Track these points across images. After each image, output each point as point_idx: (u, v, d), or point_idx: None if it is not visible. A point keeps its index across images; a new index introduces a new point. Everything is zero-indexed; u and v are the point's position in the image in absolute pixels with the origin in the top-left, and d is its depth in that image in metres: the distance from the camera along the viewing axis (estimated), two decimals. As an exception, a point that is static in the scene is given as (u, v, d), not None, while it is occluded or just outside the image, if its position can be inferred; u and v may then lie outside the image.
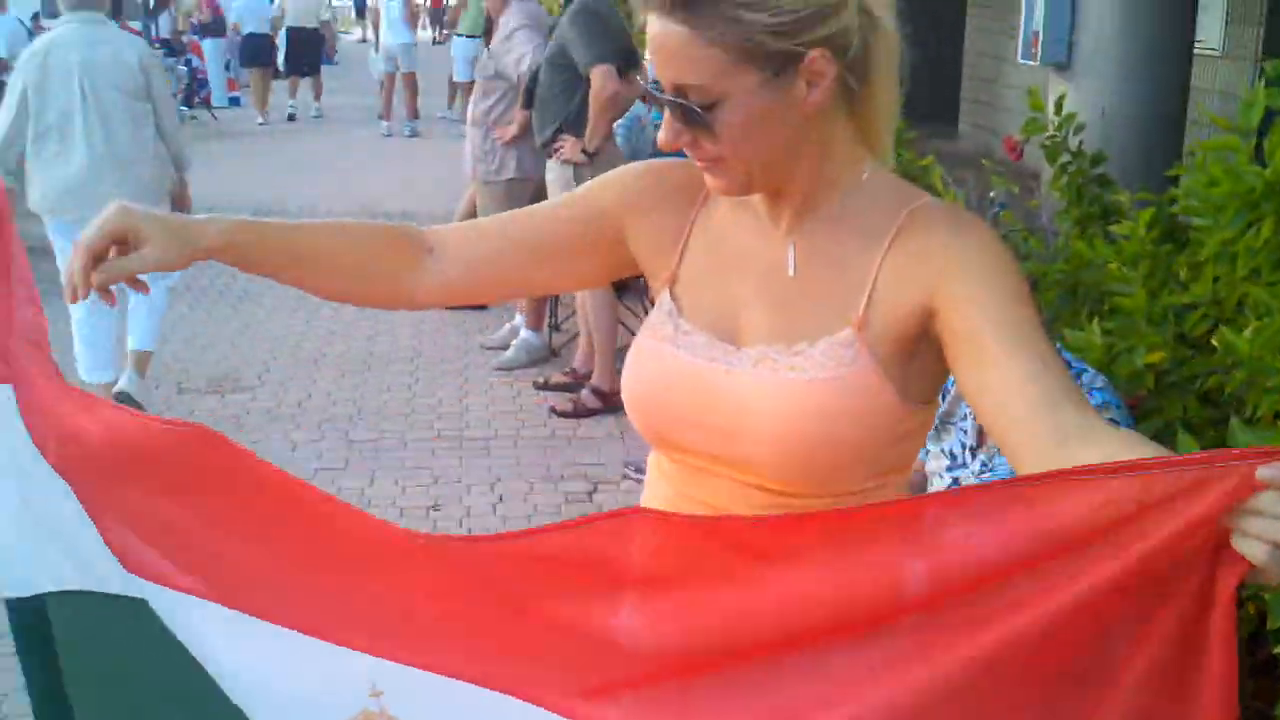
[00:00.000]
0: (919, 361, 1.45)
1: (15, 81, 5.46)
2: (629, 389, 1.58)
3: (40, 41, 5.68)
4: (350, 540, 1.48)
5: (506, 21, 6.42)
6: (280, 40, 16.82)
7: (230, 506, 1.58)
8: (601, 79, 5.53)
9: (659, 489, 1.63)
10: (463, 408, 6.09)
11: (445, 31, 16.18)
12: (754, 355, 1.48)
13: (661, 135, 1.45)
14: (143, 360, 5.92)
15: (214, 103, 17.34)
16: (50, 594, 1.86)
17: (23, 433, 1.77)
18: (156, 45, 16.69)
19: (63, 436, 1.70)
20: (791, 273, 1.51)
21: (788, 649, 1.24)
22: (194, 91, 17.08)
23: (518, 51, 6.23)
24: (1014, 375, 1.31)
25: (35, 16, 15.16)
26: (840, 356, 1.43)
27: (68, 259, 1.48)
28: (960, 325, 1.38)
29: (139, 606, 1.73)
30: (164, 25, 18.25)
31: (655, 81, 1.43)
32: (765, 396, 1.45)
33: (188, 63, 17.28)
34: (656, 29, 1.39)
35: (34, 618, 1.90)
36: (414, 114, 16.09)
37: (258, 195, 11.23)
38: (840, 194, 1.49)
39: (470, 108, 6.70)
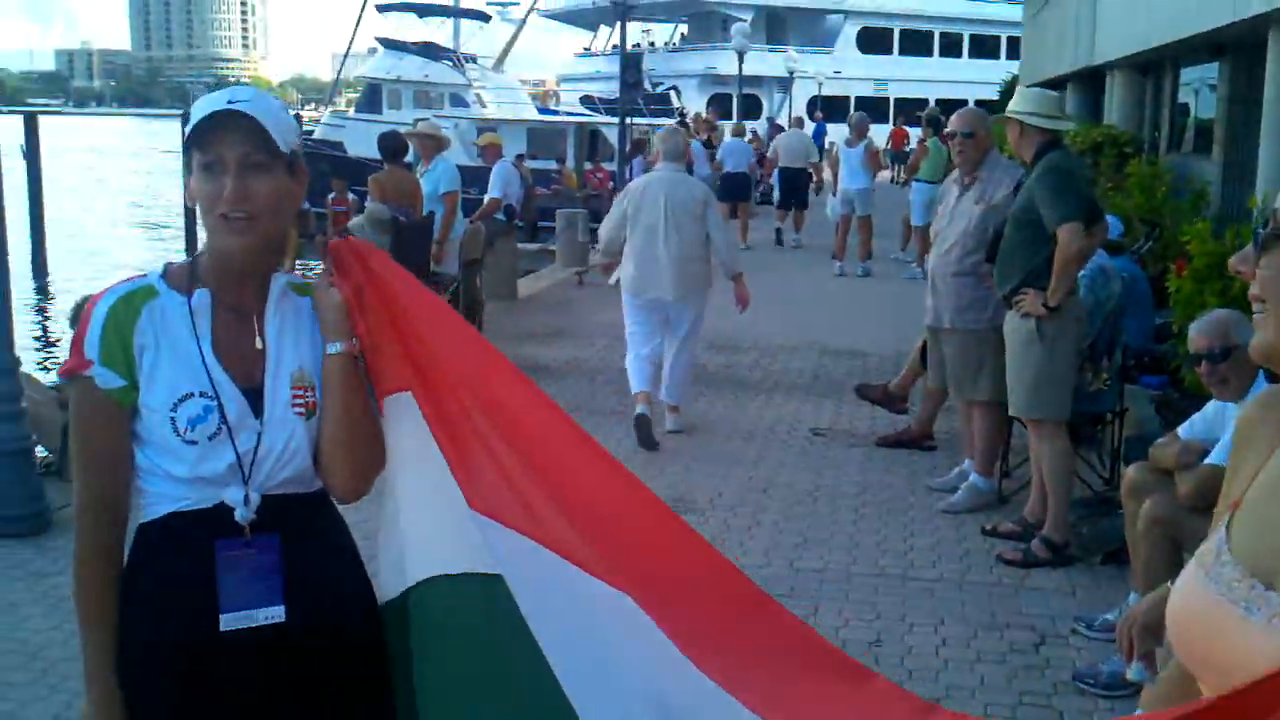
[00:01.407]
0: None
1: (622, 199, 8.18)
2: (1169, 600, 1.46)
3: (640, 180, 8.49)
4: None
5: (992, 177, 6.47)
6: (775, 179, 19.43)
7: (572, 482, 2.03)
8: (1070, 236, 5.53)
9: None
10: (907, 546, 6.10)
11: (906, 176, 16.46)
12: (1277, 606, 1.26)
13: None
14: None
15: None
16: (411, 588, 2.15)
17: (426, 432, 2.08)
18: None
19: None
20: None
21: None
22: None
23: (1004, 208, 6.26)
24: None
25: (520, 156, 17.14)
26: None
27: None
28: None
29: (494, 584, 2.00)
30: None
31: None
32: (1264, 657, 1.21)
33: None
34: None
35: (397, 617, 2.17)
36: (867, 255, 16.42)
37: (718, 326, 11.79)
38: None
39: (958, 258, 6.57)
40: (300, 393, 2.12)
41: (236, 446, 2.06)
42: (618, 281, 8.15)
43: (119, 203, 42.82)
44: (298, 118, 31.16)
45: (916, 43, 60.15)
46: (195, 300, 2.10)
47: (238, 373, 2.09)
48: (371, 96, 34.62)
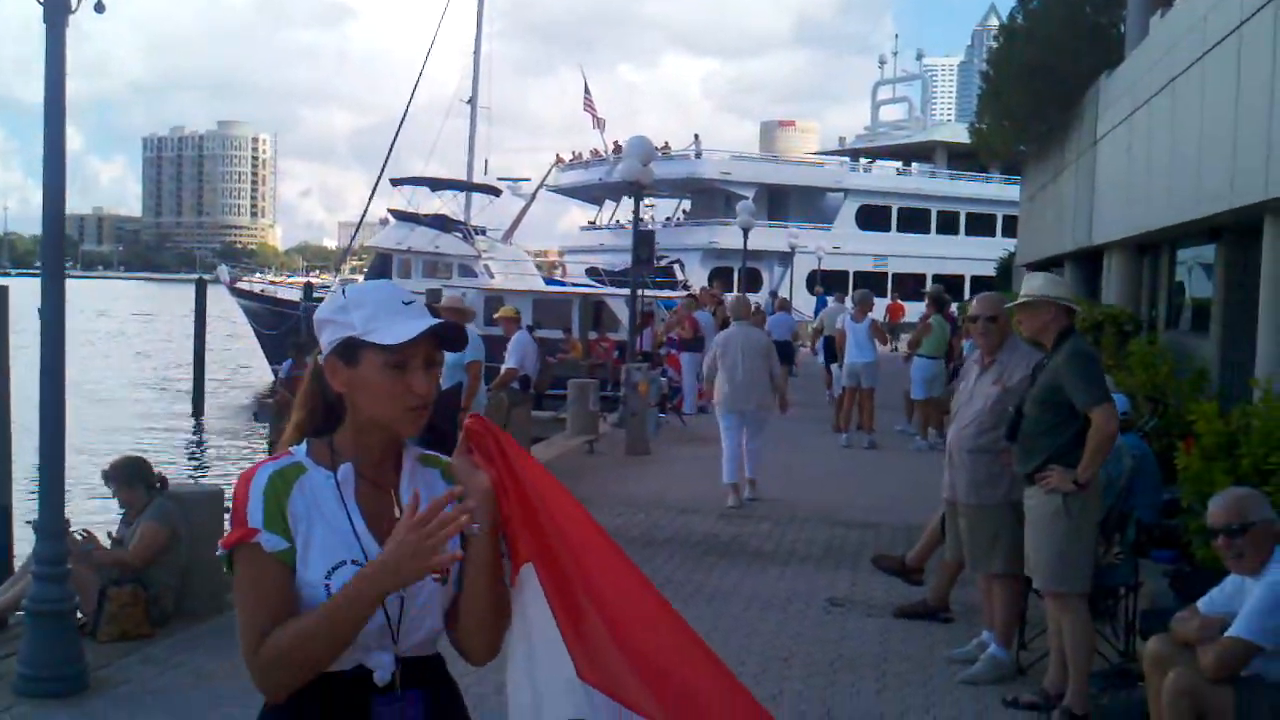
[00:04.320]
0: None
1: (714, 347, 12.31)
2: None
3: (723, 333, 12.78)
4: None
5: (1011, 359, 6.77)
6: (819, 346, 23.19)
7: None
8: (1106, 417, 5.83)
9: None
10: (930, 718, 6.19)
11: (908, 351, 16.84)
12: None
13: None
14: None
15: (684, 410, 18.73)
16: None
17: (544, 602, 2.29)
18: (639, 356, 18.44)
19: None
20: None
21: None
22: (667, 398, 18.54)
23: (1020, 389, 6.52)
24: None
25: (527, 327, 17.61)
26: None
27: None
28: None
29: None
30: (646, 339, 20.10)
31: None
32: None
33: (663, 373, 18.85)
34: None
35: None
36: (871, 428, 16.69)
37: (718, 496, 11.95)
38: None
39: (975, 435, 6.84)
40: None
41: (386, 610, 2.23)
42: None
43: (132, 360, 43.31)
44: (308, 285, 31.73)
45: (914, 220, 61.67)
46: (341, 474, 2.30)
47: (382, 541, 2.25)
48: (382, 265, 35.32)
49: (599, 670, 2.27)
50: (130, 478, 7.74)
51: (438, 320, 2.31)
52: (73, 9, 6.21)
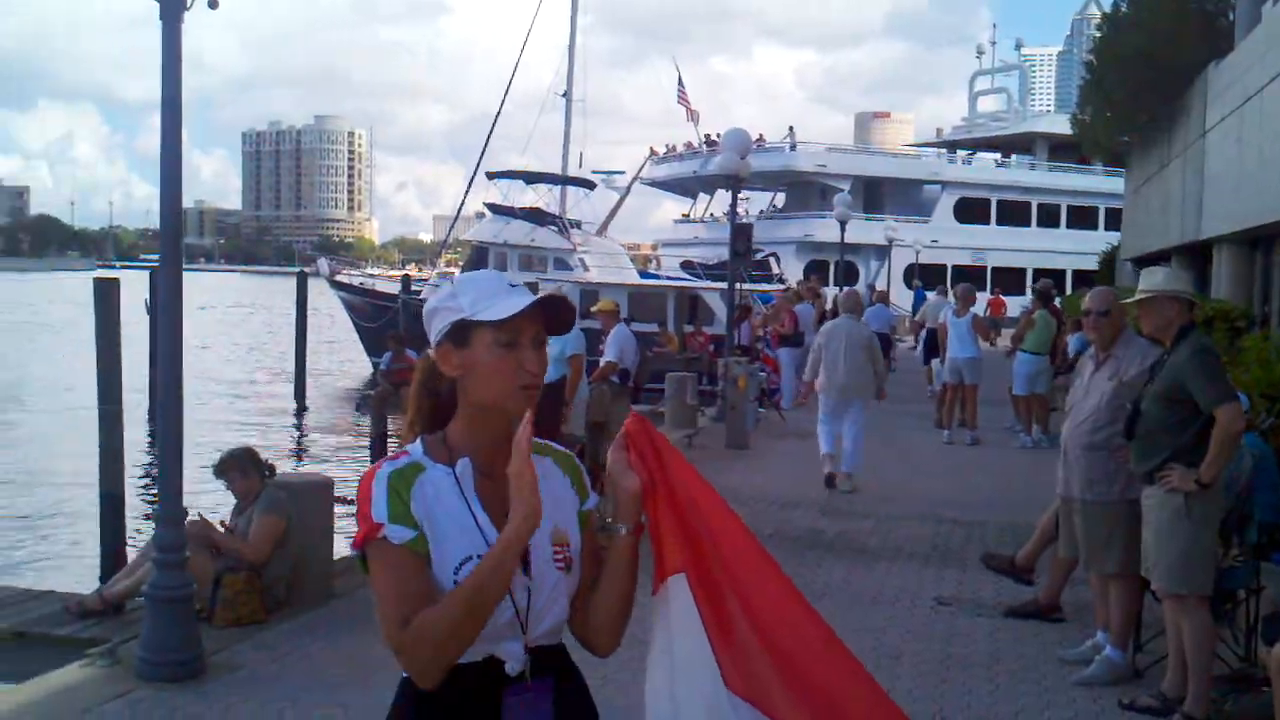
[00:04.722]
0: None
1: (819, 339, 12.84)
2: None
3: (829, 324, 13.21)
4: None
5: (1126, 354, 6.63)
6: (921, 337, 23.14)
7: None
8: (1232, 416, 5.70)
9: None
10: (1044, 719, 6.09)
11: (1012, 346, 16.58)
12: None
13: None
14: None
15: (783, 405, 18.64)
16: None
17: (695, 612, 2.27)
18: (737, 350, 18.39)
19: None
20: None
21: None
22: (766, 393, 18.46)
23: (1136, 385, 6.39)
24: None
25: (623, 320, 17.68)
26: None
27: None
28: None
29: None
30: (745, 333, 20.01)
31: None
32: None
33: (761, 369, 18.77)
34: None
35: None
36: (974, 424, 16.45)
37: (833, 494, 11.86)
38: None
39: (1090, 431, 6.69)
40: (559, 549, 2.32)
41: (515, 601, 2.24)
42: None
43: (232, 352, 44.20)
44: (406, 277, 32.12)
45: (1014, 213, 60.56)
46: (460, 469, 2.31)
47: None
48: (479, 258, 35.65)
49: (748, 682, 2.24)
50: (248, 466, 7.91)
51: (545, 294, 2.34)
52: (188, 5, 6.31)
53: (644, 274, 37.08)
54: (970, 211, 59.95)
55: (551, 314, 2.34)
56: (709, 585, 2.29)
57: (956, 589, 8.53)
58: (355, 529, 2.29)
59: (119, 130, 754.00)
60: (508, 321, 2.27)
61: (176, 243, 6.55)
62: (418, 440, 2.37)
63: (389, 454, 2.41)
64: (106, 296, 13.75)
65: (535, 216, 35.64)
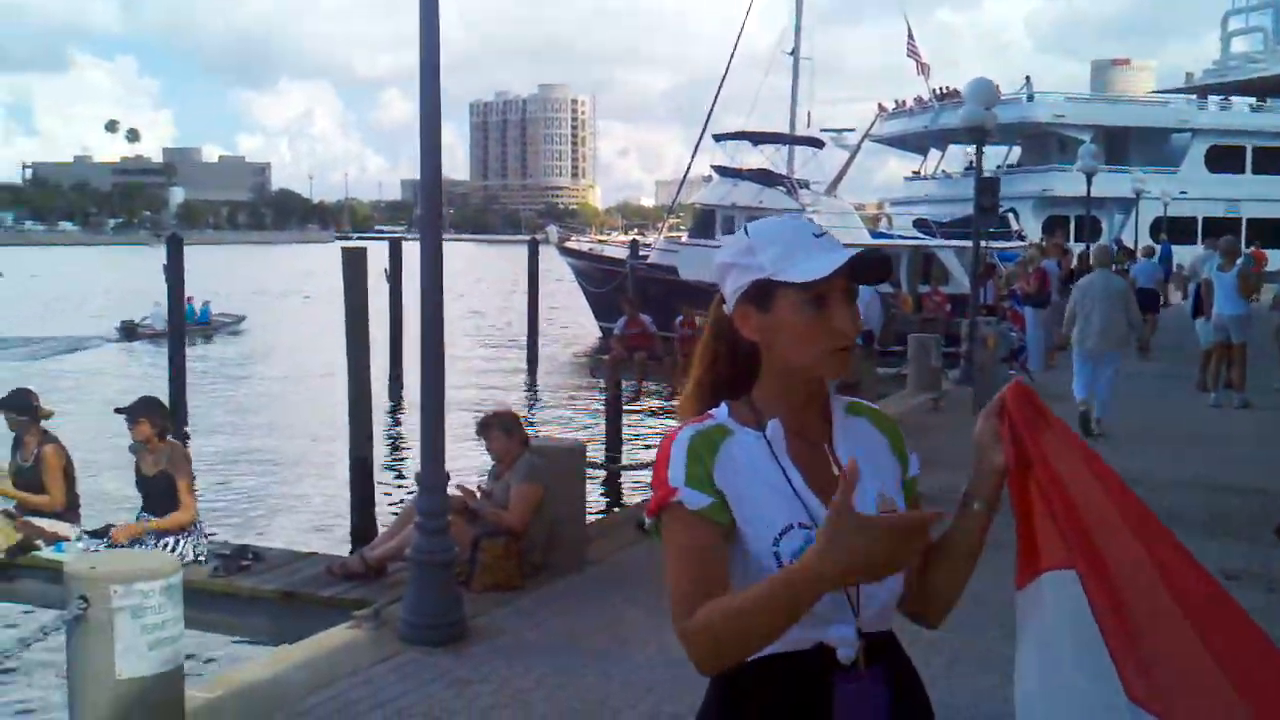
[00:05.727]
0: None
1: (1075, 293, 13.10)
2: None
3: (1086, 278, 13.53)
4: None
5: None
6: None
7: None
8: None
9: None
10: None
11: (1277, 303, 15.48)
12: None
13: None
14: None
15: (1030, 367, 17.88)
16: None
17: (1088, 615, 1.93)
18: (982, 310, 17.73)
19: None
20: None
21: None
22: (1014, 354, 17.76)
23: None
24: None
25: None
26: None
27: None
28: None
29: None
30: (989, 292, 19.29)
31: None
32: None
33: (1009, 328, 18.06)
34: None
35: None
36: (1241, 385, 15.42)
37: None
38: None
39: None
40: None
41: None
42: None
43: (467, 319, 45.45)
44: (634, 242, 32.20)
45: (1272, 161, 56.74)
46: (770, 431, 2.09)
47: (825, 500, 1.96)
48: (706, 221, 35.46)
49: (1156, 692, 1.90)
50: (512, 427, 7.97)
51: (859, 249, 2.07)
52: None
53: (875, 234, 36.21)
54: (1223, 160, 56.51)
55: (866, 267, 2.07)
56: (1113, 589, 1.97)
57: (1244, 564, 7.90)
58: (646, 495, 2.08)
59: (351, 108, 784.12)
60: (818, 282, 2.03)
61: (436, 208, 6.59)
62: (722, 405, 2.15)
63: (693, 418, 2.16)
64: (355, 264, 14.14)
65: (763, 178, 35.17)
